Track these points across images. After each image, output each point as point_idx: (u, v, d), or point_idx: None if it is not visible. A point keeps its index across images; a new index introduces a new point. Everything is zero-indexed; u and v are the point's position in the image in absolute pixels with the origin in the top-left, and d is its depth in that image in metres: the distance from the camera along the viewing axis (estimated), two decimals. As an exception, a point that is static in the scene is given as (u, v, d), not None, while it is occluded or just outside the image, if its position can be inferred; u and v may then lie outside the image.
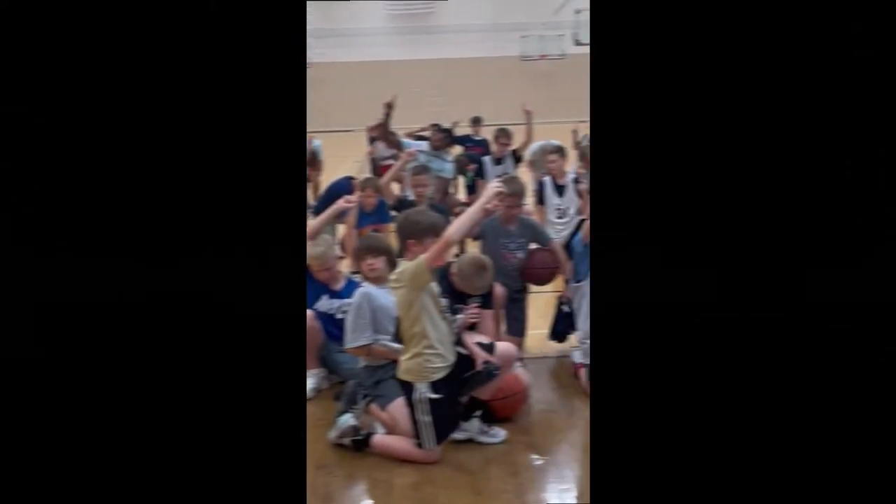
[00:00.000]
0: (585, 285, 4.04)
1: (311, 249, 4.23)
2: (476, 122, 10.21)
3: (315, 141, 8.77)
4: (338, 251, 5.14)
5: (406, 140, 7.74)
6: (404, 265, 3.31)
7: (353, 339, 3.76)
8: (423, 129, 9.62)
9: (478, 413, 3.57)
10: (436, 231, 3.30)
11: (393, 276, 3.34)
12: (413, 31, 23.69)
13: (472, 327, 3.85)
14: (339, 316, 4.20)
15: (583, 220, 4.81)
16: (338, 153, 12.13)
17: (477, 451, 3.49)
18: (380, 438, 3.52)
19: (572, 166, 6.53)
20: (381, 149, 8.87)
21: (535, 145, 7.82)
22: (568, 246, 4.71)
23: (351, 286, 4.25)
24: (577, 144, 8.17)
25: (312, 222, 4.44)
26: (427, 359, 3.34)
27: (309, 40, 3.90)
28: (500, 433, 3.59)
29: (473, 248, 5.03)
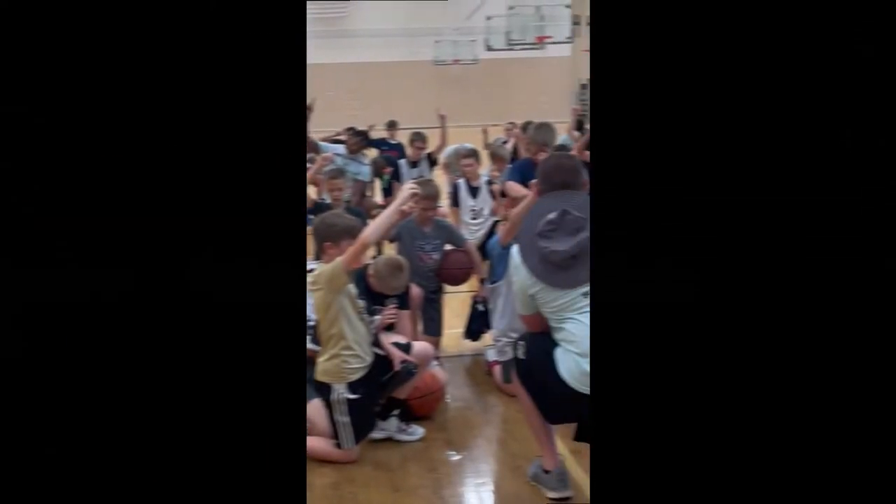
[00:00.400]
0: (501, 285, 4.14)
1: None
2: (391, 125, 10.25)
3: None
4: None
5: (322, 143, 7.72)
6: (321, 268, 3.33)
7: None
8: (339, 133, 9.59)
9: (396, 412, 3.62)
10: (352, 233, 3.33)
11: (310, 279, 3.35)
12: (327, 34, 23.57)
13: (389, 328, 3.90)
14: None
15: (497, 222, 4.92)
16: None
17: (395, 449, 3.54)
18: (299, 440, 3.53)
19: (485, 168, 6.65)
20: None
21: (449, 148, 7.93)
22: (483, 247, 4.81)
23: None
24: (487, 145, 8.32)
25: None
26: (345, 360, 3.37)
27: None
28: (417, 431, 3.65)
29: (390, 250, 5.07)
